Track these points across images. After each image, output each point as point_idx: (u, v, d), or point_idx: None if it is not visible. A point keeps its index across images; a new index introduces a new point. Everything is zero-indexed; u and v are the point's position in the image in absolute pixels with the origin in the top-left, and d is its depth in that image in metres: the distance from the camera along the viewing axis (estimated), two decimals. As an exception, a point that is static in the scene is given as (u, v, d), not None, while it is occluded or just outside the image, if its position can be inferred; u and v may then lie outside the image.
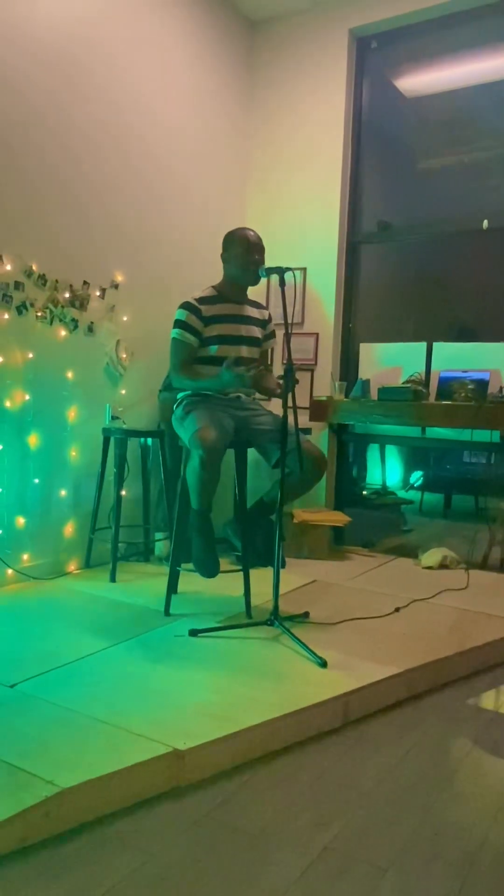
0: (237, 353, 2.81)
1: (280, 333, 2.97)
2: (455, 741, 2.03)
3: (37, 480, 3.28)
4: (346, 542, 4.24)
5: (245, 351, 2.86)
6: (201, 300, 2.81)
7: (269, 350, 3.06)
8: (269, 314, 3.04)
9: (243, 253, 2.80)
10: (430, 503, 4.87)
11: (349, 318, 4.42)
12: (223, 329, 2.81)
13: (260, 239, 2.84)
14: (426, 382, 4.00)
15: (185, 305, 2.81)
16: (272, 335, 3.03)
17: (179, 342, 2.80)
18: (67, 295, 3.36)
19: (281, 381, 2.55)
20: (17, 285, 3.12)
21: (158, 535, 3.78)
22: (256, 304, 2.98)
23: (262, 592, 2.88)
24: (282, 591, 2.69)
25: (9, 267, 3.07)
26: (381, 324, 4.41)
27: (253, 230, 2.87)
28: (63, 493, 3.42)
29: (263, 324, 2.97)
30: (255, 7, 4.33)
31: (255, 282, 2.86)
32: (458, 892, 1.38)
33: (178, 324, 2.80)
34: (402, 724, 2.11)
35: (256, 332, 2.92)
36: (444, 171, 4.33)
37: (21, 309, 3.14)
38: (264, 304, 4.02)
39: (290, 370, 2.51)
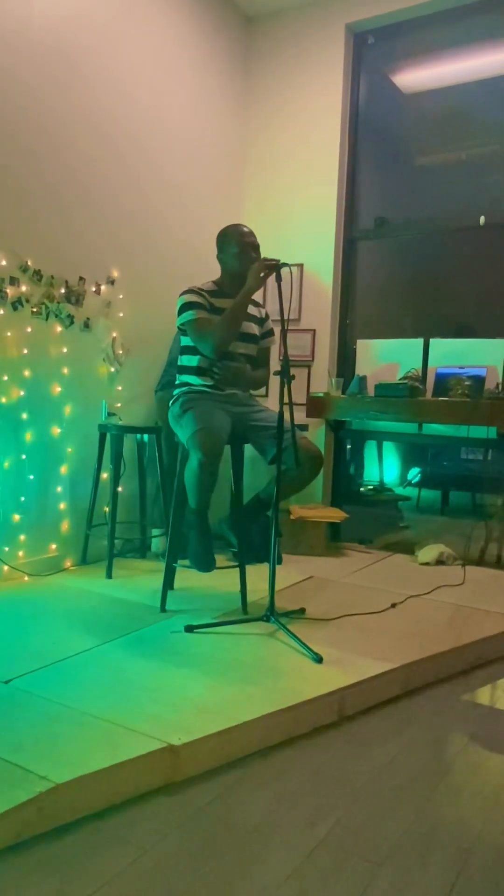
0: (234, 348, 2.80)
1: (277, 329, 2.96)
2: (451, 737, 2.03)
3: (32, 477, 3.27)
4: (342, 539, 4.24)
5: (241, 347, 2.85)
6: (203, 290, 2.80)
7: (268, 349, 3.04)
8: (266, 312, 3.02)
9: (239, 251, 2.78)
10: (427, 499, 4.87)
11: (346, 315, 4.41)
12: None
13: (254, 234, 2.83)
14: (423, 379, 4.00)
15: (190, 290, 2.78)
16: (270, 333, 3.02)
17: (198, 319, 2.72)
18: (63, 290, 3.35)
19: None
20: (13, 281, 3.10)
21: (155, 532, 3.77)
22: (254, 302, 2.96)
23: (259, 588, 2.88)
24: (278, 587, 2.69)
25: (3, 262, 3.06)
26: (378, 320, 4.41)
27: (246, 226, 2.86)
28: (59, 489, 3.42)
29: (261, 322, 2.96)
30: (251, 2, 4.31)
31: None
32: (453, 886, 1.38)
33: (189, 305, 2.74)
34: (398, 720, 2.10)
35: (254, 328, 2.91)
36: (441, 167, 4.32)
37: (16, 304, 3.13)
38: (261, 300, 4.01)
39: (286, 367, 2.50)
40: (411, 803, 1.67)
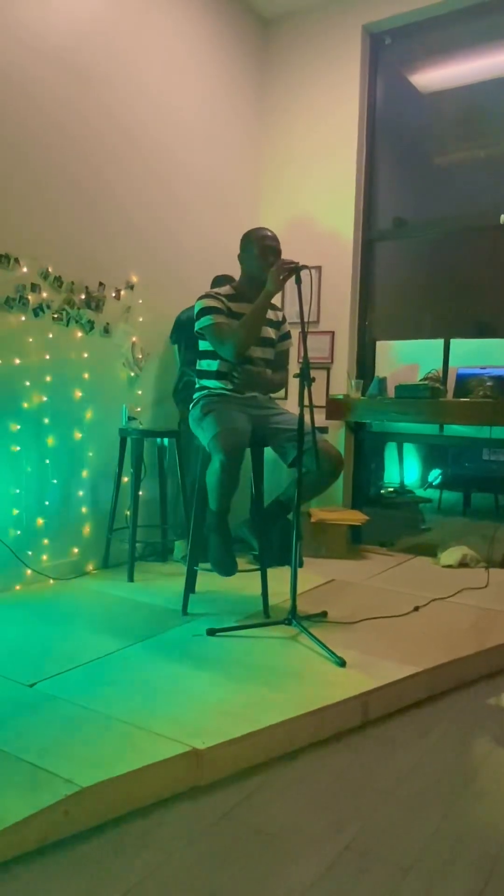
0: (252, 352, 2.80)
1: (296, 332, 2.96)
2: (476, 741, 2.00)
3: (55, 481, 3.29)
4: (363, 541, 4.22)
5: (259, 351, 2.85)
6: (221, 295, 2.80)
7: (286, 351, 3.03)
8: (284, 315, 3.02)
9: (259, 254, 2.77)
10: (449, 501, 4.84)
11: (365, 316, 4.39)
12: None
13: (276, 239, 2.82)
14: (444, 380, 3.97)
15: (209, 295, 2.78)
16: (287, 335, 3.01)
17: (218, 325, 2.71)
18: (83, 296, 3.37)
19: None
20: (34, 287, 3.13)
21: (177, 542, 3.76)
22: (271, 305, 2.95)
23: (280, 592, 2.87)
24: (299, 590, 2.68)
25: (25, 269, 3.09)
26: (397, 321, 4.38)
27: (270, 230, 2.85)
28: (80, 493, 3.44)
29: (278, 325, 2.95)
30: (268, 5, 4.32)
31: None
32: (481, 893, 1.36)
33: (208, 310, 2.74)
34: (423, 724, 2.09)
35: (271, 332, 2.90)
36: (459, 166, 4.29)
37: (38, 311, 3.16)
38: (280, 303, 4.00)
39: (306, 369, 2.50)
40: (437, 808, 1.65)
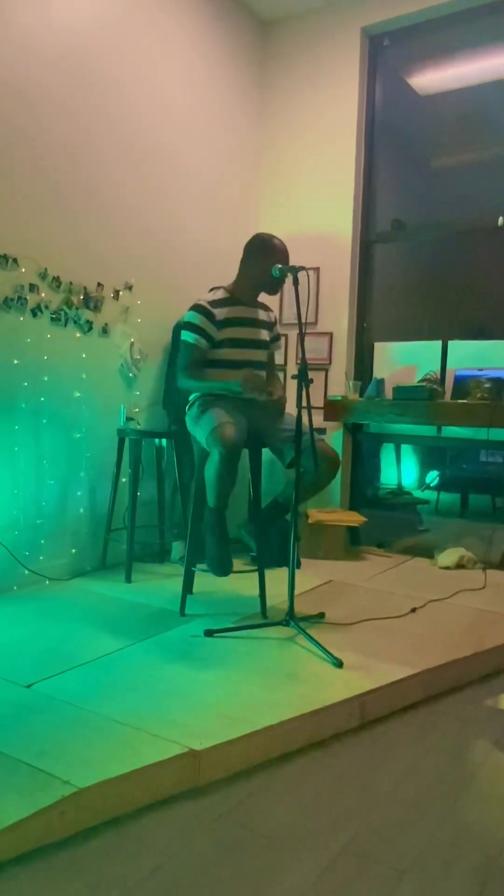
0: (251, 356, 2.80)
1: (294, 333, 2.96)
2: (473, 742, 2.01)
3: (52, 482, 3.29)
4: (361, 543, 4.22)
5: (259, 354, 2.85)
6: (213, 303, 2.77)
7: (274, 353, 3.03)
8: (276, 316, 3.01)
9: (271, 264, 2.72)
10: (447, 503, 4.84)
11: (363, 318, 4.40)
12: (235, 332, 2.80)
13: (287, 251, 2.79)
14: (441, 381, 3.97)
15: (198, 308, 2.77)
16: (278, 337, 3.01)
17: (191, 346, 2.76)
18: (81, 297, 3.37)
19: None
20: (32, 287, 3.13)
21: (175, 545, 3.76)
22: (264, 307, 2.95)
23: (278, 593, 2.87)
24: (297, 591, 2.68)
25: (23, 269, 3.09)
26: (395, 323, 4.39)
27: (279, 239, 2.80)
28: (78, 494, 3.43)
29: (270, 326, 2.95)
30: (266, 7, 4.33)
31: (275, 292, 2.85)
32: (479, 895, 1.36)
33: (191, 327, 2.76)
34: (420, 725, 2.09)
35: (265, 335, 2.91)
36: (458, 168, 4.30)
37: (36, 311, 3.16)
38: (278, 304, 4.01)
39: (304, 370, 2.50)
40: (435, 810, 1.65)
